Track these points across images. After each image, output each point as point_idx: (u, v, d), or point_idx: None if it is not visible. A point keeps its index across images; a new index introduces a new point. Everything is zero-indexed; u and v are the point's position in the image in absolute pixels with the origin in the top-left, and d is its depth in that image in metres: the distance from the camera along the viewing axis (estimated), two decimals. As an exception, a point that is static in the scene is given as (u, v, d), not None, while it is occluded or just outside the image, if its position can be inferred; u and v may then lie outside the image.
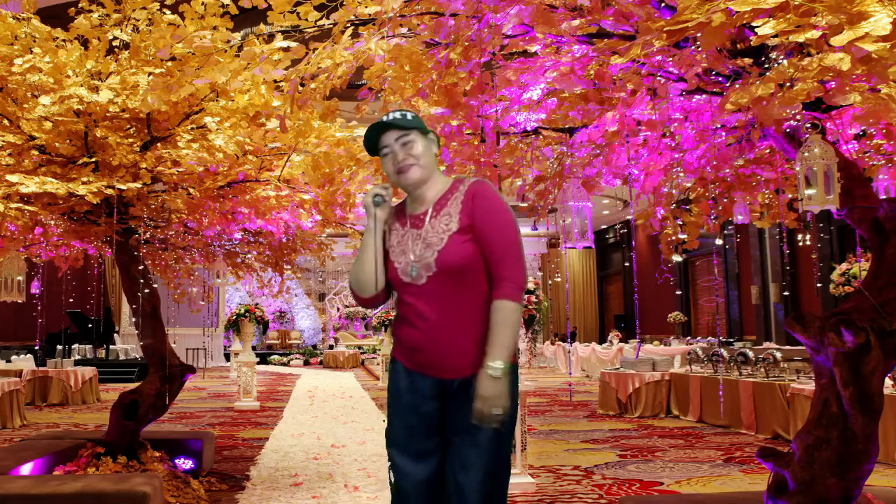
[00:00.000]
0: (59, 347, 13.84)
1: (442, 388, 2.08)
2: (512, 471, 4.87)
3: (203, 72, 2.82)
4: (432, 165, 2.15)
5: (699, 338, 16.41)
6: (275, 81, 3.48)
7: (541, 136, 3.30)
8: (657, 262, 15.49)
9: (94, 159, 3.77)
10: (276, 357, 22.87)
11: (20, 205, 3.67)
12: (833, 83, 2.10)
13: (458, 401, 2.05)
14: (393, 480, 2.14)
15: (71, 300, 14.67)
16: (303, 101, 2.87)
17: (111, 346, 16.39)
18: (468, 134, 3.11)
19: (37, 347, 13.83)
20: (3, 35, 3.53)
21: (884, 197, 2.90)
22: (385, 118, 2.13)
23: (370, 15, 2.74)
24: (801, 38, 1.64)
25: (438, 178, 2.18)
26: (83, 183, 3.56)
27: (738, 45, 2.41)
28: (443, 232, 2.06)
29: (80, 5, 3.70)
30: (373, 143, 2.16)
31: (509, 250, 2.04)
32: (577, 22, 2.41)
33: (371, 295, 2.14)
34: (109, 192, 3.64)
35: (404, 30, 2.81)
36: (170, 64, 3.53)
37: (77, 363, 12.60)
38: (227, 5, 3.39)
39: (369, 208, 2.15)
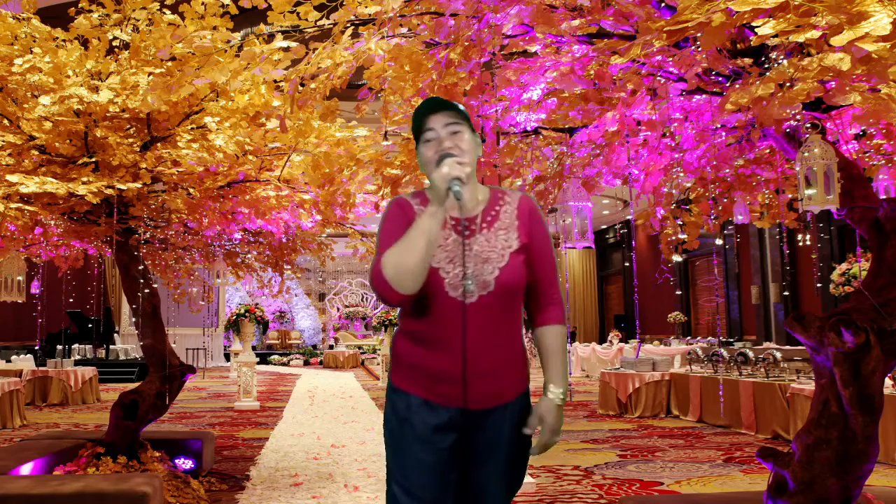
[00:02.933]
0: (59, 347, 13.84)
1: (467, 419, 1.87)
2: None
3: (203, 72, 2.82)
4: (474, 170, 1.90)
5: (699, 338, 16.40)
6: (275, 81, 3.48)
7: (541, 136, 3.30)
8: (657, 262, 15.48)
9: (94, 159, 3.77)
10: (276, 357, 22.86)
11: (20, 205, 3.67)
12: (833, 83, 2.10)
13: (489, 428, 1.88)
14: None
15: (71, 300, 14.67)
16: (303, 101, 2.87)
17: (111, 346, 16.39)
18: (468, 134, 3.10)
19: (37, 347, 13.83)
20: (3, 35, 3.53)
21: (884, 197, 2.90)
22: (439, 98, 1.91)
23: (370, 15, 2.74)
24: (801, 38, 1.64)
25: (476, 183, 1.96)
26: (83, 183, 3.56)
27: (738, 45, 2.41)
28: (502, 248, 1.89)
29: (80, 5, 3.70)
30: (419, 124, 1.91)
31: (555, 272, 1.99)
32: (577, 22, 2.41)
33: (410, 293, 1.78)
34: (109, 192, 3.64)
35: (404, 30, 2.81)
36: (170, 64, 3.53)
37: (77, 363, 12.60)
38: (227, 5, 3.39)
39: (441, 192, 1.78)
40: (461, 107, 1.90)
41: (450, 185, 1.76)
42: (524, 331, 2.04)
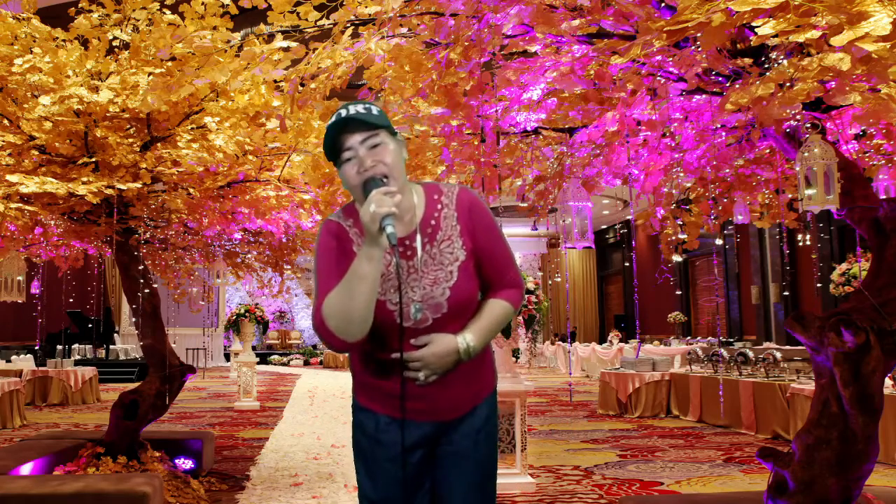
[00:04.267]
0: (59, 347, 13.85)
1: (437, 430, 1.83)
2: (512, 471, 4.89)
3: (203, 72, 2.82)
4: (403, 175, 1.74)
5: (699, 338, 16.41)
6: (275, 81, 3.48)
7: (541, 136, 3.30)
8: (657, 262, 15.49)
9: (94, 159, 3.77)
10: (276, 357, 22.87)
11: (20, 205, 3.67)
12: (833, 83, 2.10)
13: (461, 434, 1.84)
14: None
15: (71, 300, 14.67)
16: (303, 101, 2.87)
17: (111, 346, 16.40)
18: (468, 134, 3.11)
19: (37, 347, 13.84)
20: (3, 35, 3.53)
21: (884, 197, 2.90)
22: (346, 112, 1.69)
23: (370, 15, 2.74)
24: (801, 38, 1.64)
25: (408, 189, 1.79)
26: (83, 183, 3.56)
27: (738, 45, 2.41)
28: (450, 263, 1.76)
29: (80, 5, 3.70)
30: (332, 143, 1.72)
31: (509, 256, 1.86)
32: (577, 22, 2.40)
33: (358, 340, 1.68)
34: (109, 192, 3.64)
35: (404, 30, 2.81)
36: (170, 64, 3.53)
37: (77, 363, 12.61)
38: (227, 5, 3.39)
39: (373, 233, 1.60)
40: (374, 111, 1.71)
41: (382, 226, 1.58)
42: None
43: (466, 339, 1.75)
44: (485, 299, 1.85)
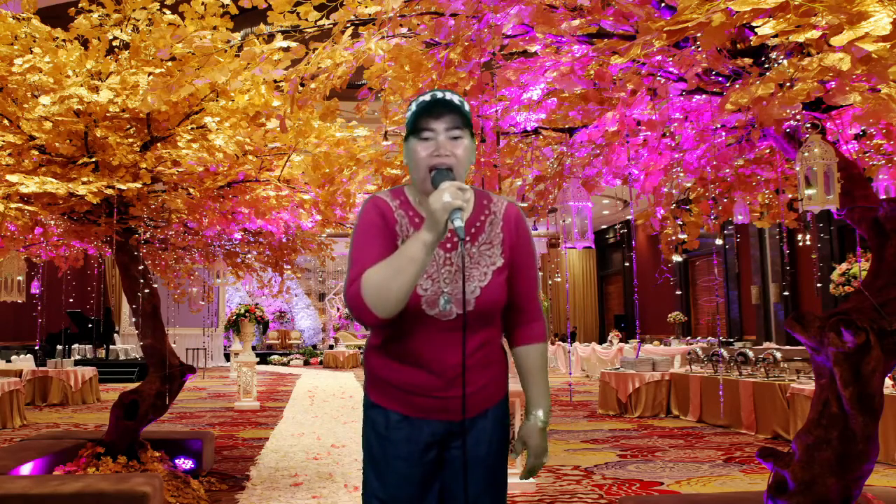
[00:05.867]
0: (59, 347, 13.84)
1: (448, 430, 1.82)
2: (512, 471, 4.88)
3: (203, 72, 2.82)
4: (465, 176, 1.78)
5: (699, 338, 16.41)
6: (275, 81, 3.48)
7: (541, 136, 3.30)
8: (657, 262, 15.48)
9: (94, 159, 3.78)
10: (276, 357, 22.87)
11: (20, 205, 3.67)
12: (833, 83, 2.10)
13: (472, 436, 1.84)
14: None
15: (71, 300, 14.67)
16: (303, 101, 2.87)
17: (111, 346, 16.39)
18: (468, 134, 3.10)
19: (37, 347, 13.82)
20: (3, 35, 3.53)
21: (884, 197, 2.90)
22: (445, 95, 1.73)
23: (370, 15, 2.74)
24: (801, 38, 1.64)
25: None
26: (83, 183, 3.56)
27: (738, 45, 2.41)
28: (486, 266, 1.80)
29: (80, 5, 3.70)
30: (416, 118, 1.73)
31: (536, 287, 1.90)
32: (577, 22, 2.41)
33: (390, 318, 1.66)
34: (109, 192, 3.65)
35: (404, 30, 2.81)
36: (170, 64, 3.53)
37: (77, 363, 12.60)
38: (227, 5, 3.39)
39: (439, 222, 1.58)
40: (466, 107, 1.76)
41: (451, 218, 1.57)
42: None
43: (536, 416, 1.89)
44: (520, 343, 1.90)
